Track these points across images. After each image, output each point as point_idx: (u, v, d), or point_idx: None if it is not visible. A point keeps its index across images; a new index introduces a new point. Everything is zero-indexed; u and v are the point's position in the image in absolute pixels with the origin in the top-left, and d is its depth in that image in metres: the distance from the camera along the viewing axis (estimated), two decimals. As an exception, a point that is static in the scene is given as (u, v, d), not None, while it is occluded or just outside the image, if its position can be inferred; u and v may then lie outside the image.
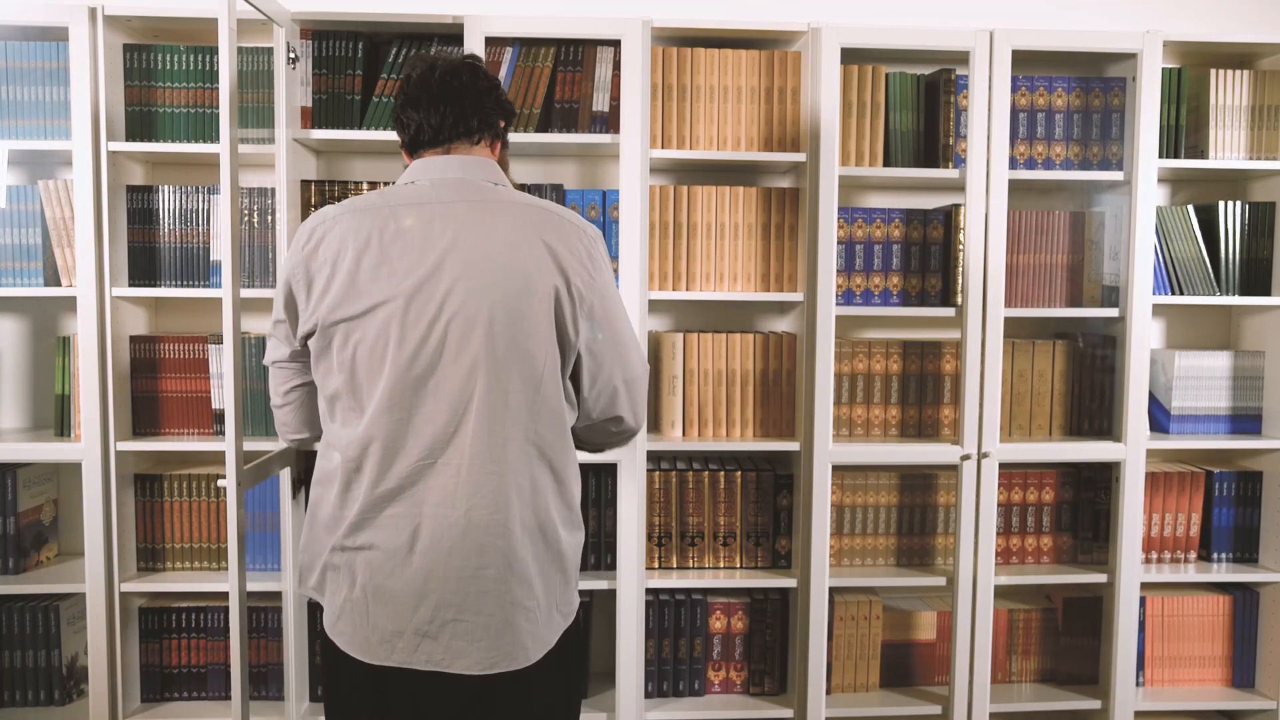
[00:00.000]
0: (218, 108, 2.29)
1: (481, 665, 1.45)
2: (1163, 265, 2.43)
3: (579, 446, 1.61)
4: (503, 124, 1.60)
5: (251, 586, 2.31)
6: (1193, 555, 2.51)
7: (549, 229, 1.48)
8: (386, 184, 2.32)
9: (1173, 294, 2.43)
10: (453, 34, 2.28)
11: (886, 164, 2.39)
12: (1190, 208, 2.44)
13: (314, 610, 2.32)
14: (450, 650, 1.44)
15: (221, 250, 2.26)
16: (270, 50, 2.23)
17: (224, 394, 2.32)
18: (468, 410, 1.43)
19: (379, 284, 1.43)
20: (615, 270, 2.33)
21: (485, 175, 1.53)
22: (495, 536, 1.44)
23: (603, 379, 1.55)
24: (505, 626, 1.45)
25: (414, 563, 1.43)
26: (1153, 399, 2.51)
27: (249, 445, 2.28)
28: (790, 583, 2.36)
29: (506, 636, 1.45)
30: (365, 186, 2.31)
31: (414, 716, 1.48)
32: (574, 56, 2.32)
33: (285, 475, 2.21)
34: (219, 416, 2.34)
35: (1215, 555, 2.51)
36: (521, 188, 2.32)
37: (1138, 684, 2.52)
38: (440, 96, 1.53)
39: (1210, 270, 2.43)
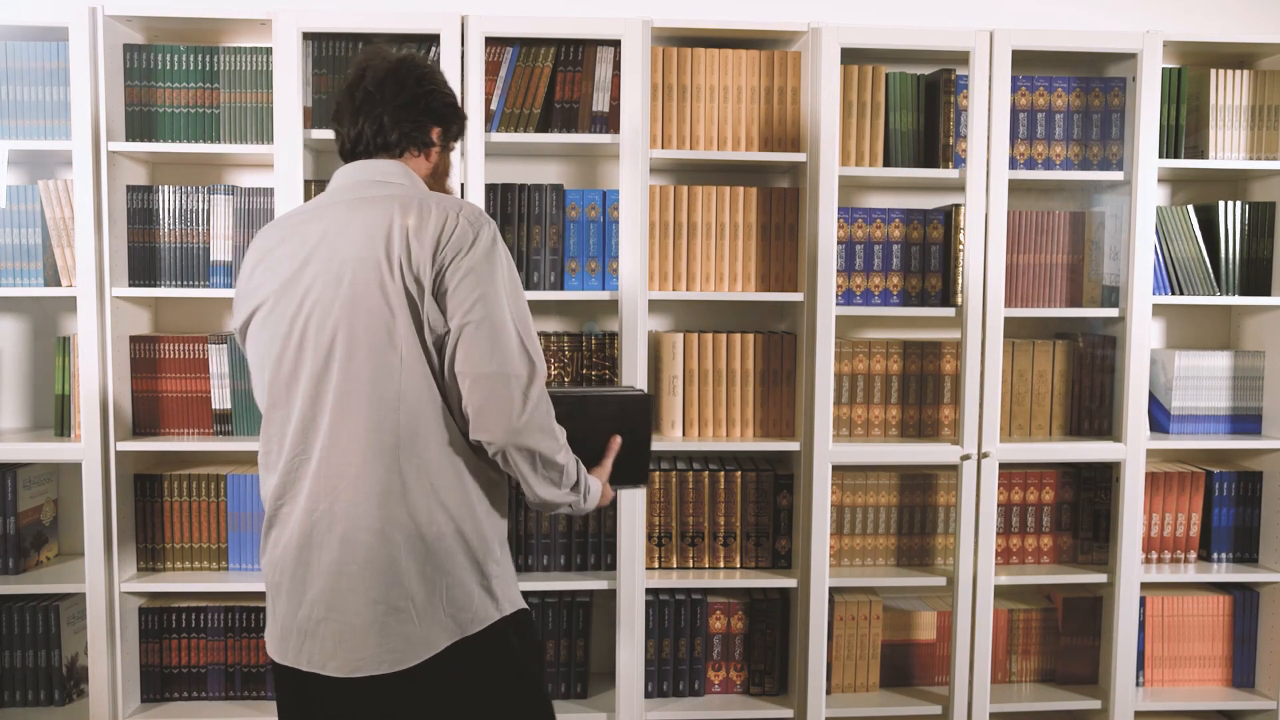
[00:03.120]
0: (218, 108, 2.30)
1: (348, 667, 1.40)
2: (1163, 265, 2.43)
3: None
4: (437, 131, 1.56)
5: (251, 586, 2.31)
6: (1193, 555, 2.51)
7: (410, 213, 1.41)
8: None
9: (1173, 294, 2.43)
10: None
11: (886, 164, 2.39)
12: (1190, 208, 2.44)
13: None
14: (324, 650, 1.42)
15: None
16: (269, 50, 2.23)
17: (221, 394, 2.32)
18: (324, 404, 1.41)
19: (256, 287, 1.49)
20: (615, 270, 2.33)
21: (382, 175, 1.50)
22: (358, 531, 1.40)
23: (457, 372, 1.40)
24: (371, 626, 1.40)
25: (299, 559, 1.44)
26: (1153, 399, 2.51)
27: (245, 445, 2.28)
28: (790, 583, 2.36)
29: (371, 638, 1.40)
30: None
31: (305, 716, 1.49)
32: (574, 56, 2.32)
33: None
34: (220, 416, 2.34)
35: (1215, 555, 2.51)
36: (521, 188, 2.32)
37: (1138, 684, 2.52)
38: (360, 109, 1.51)
39: (1210, 270, 2.43)
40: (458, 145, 1.69)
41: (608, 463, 1.63)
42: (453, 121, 1.59)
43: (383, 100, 1.51)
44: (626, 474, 1.67)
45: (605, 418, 1.66)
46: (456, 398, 1.42)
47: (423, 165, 1.57)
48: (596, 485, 1.57)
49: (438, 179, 1.61)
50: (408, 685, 1.42)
